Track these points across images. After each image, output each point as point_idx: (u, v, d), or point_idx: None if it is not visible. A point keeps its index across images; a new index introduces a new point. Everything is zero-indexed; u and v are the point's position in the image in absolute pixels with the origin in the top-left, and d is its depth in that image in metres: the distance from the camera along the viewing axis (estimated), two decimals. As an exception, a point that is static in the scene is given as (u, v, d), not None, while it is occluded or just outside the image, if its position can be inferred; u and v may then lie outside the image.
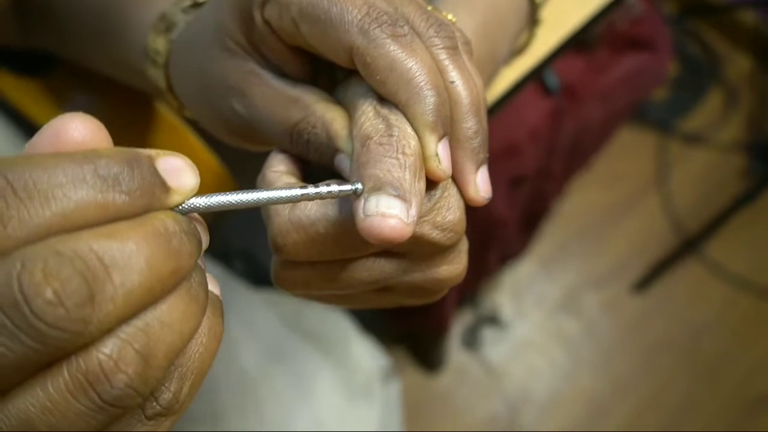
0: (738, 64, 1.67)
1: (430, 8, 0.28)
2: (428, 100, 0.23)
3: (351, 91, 0.25)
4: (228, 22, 0.26)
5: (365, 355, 0.64)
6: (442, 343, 1.25)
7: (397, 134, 0.22)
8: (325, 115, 0.25)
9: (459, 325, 1.34)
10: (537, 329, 1.37)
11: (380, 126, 0.23)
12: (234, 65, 0.27)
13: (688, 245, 1.42)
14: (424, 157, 0.23)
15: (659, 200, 1.51)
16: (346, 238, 0.22)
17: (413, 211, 0.21)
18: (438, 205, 0.24)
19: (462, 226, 0.25)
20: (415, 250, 0.25)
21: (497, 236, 0.93)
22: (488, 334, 1.35)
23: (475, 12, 0.34)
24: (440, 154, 0.23)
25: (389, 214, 0.21)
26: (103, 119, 0.53)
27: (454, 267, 0.26)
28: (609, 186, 1.51)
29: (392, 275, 0.25)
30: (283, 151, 0.27)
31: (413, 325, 1.18)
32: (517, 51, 0.43)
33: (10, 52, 0.47)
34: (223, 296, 0.22)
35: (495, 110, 0.51)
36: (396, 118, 0.23)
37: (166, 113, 0.51)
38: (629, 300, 1.42)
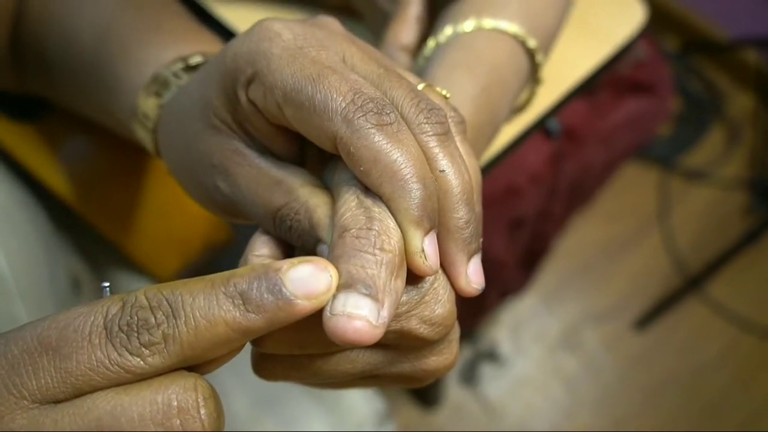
0: (740, 102, 1.67)
1: (422, 86, 0.27)
2: (413, 194, 0.22)
3: (337, 177, 0.24)
4: (213, 99, 0.25)
5: (359, 398, 0.63)
6: (439, 379, 1.23)
7: (377, 228, 0.21)
8: (309, 201, 0.24)
9: (457, 360, 1.32)
10: (536, 366, 1.35)
11: (361, 218, 0.22)
12: (218, 143, 0.26)
13: (690, 284, 1.41)
14: (408, 253, 0.22)
15: (661, 237, 1.50)
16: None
17: (385, 313, 0.20)
18: (426, 298, 0.23)
19: (452, 319, 0.24)
20: (402, 343, 0.24)
21: (496, 276, 0.92)
22: (486, 370, 1.33)
23: (475, 75, 0.33)
24: (426, 249, 0.22)
25: (356, 315, 0.19)
26: (98, 165, 0.52)
27: (444, 358, 0.25)
28: (610, 222, 1.50)
29: (378, 367, 0.24)
30: (267, 232, 0.26)
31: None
32: (517, 109, 0.43)
33: (4, 96, 0.46)
34: None
35: (497, 162, 0.50)
36: (379, 211, 0.22)
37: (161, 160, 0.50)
38: (630, 337, 1.40)
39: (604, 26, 0.52)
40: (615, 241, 1.49)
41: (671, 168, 1.57)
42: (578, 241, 1.45)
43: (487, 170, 0.50)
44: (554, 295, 1.43)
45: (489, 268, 0.93)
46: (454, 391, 1.30)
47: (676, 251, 1.48)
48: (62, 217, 0.50)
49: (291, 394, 0.59)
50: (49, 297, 0.43)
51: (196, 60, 0.32)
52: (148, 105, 0.31)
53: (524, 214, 0.81)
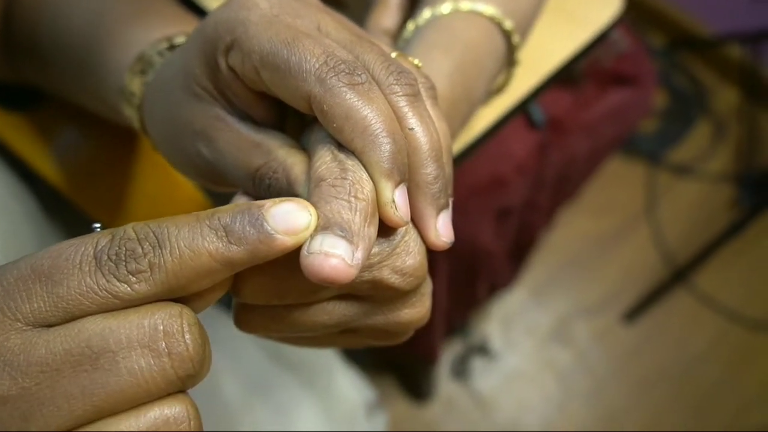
0: (725, 97, 1.69)
1: (394, 54, 0.29)
2: (384, 147, 0.23)
3: (313, 137, 0.25)
4: (195, 67, 0.26)
5: (349, 386, 0.64)
6: (430, 373, 1.24)
7: (351, 178, 0.22)
8: (287, 160, 0.25)
9: (448, 354, 1.33)
10: (527, 359, 1.37)
11: (335, 170, 0.23)
12: (200, 110, 0.27)
13: (678, 276, 1.42)
14: (380, 204, 0.23)
15: (649, 231, 1.52)
16: (305, 281, 0.22)
17: (359, 254, 0.21)
18: (397, 250, 0.24)
19: (422, 270, 0.25)
20: (375, 293, 0.25)
21: (485, 267, 0.93)
22: (478, 364, 1.34)
23: (451, 54, 0.35)
24: (397, 200, 0.23)
25: (332, 253, 0.21)
26: (90, 154, 0.53)
27: (417, 310, 0.26)
28: (598, 216, 1.52)
29: (353, 319, 0.26)
30: (247, 193, 0.27)
31: (401, 355, 1.17)
32: (495, 91, 0.44)
33: (-2, 86, 0.47)
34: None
35: (479, 144, 0.51)
36: (352, 164, 0.23)
37: (149, 148, 0.51)
38: (620, 330, 1.41)
39: (582, 12, 0.53)
40: (603, 235, 1.51)
41: (658, 163, 1.59)
42: (567, 235, 1.46)
43: (469, 153, 0.51)
44: (544, 288, 1.44)
45: (478, 258, 0.94)
46: (445, 385, 1.31)
47: (664, 244, 1.50)
48: (54, 205, 0.51)
49: (282, 379, 0.59)
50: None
51: (179, 40, 0.33)
52: (134, 84, 0.32)
53: (511, 205, 0.83)
